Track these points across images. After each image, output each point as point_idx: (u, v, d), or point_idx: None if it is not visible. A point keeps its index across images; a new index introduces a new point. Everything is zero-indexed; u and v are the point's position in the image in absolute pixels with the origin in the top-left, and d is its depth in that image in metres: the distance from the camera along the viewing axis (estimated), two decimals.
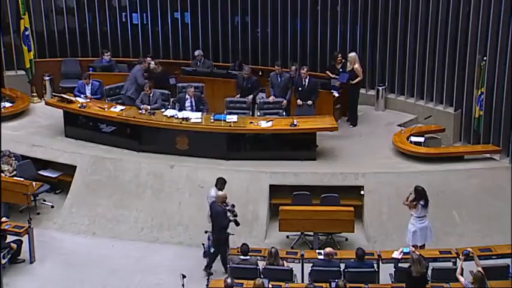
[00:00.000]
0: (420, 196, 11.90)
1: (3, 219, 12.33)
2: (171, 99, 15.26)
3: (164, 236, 13.17)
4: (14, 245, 12.15)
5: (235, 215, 11.88)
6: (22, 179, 13.29)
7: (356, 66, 15.39)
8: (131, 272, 12.18)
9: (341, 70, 15.71)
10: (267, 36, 17.04)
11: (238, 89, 15.26)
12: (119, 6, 17.71)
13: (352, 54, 15.53)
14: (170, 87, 15.62)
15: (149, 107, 14.53)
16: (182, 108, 14.65)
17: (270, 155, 14.10)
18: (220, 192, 12.09)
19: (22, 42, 16.51)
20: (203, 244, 11.89)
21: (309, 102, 14.75)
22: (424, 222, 11.91)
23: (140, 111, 14.43)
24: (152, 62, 15.78)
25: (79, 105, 14.74)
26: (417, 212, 11.88)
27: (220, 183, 12.32)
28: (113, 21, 17.70)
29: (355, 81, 15.39)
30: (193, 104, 14.71)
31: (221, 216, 11.84)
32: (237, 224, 11.94)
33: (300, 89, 14.87)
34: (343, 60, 15.76)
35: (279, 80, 15.09)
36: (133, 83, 15.29)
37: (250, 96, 15.11)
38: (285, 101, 14.93)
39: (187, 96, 14.73)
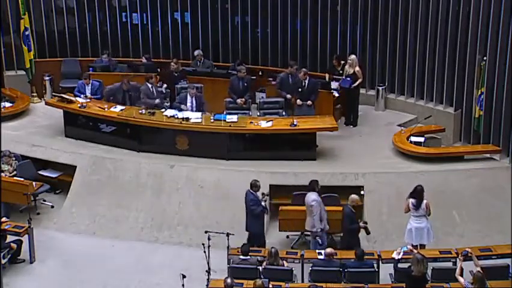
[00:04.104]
0: (413, 195, 11.91)
1: (3, 219, 12.34)
2: (176, 97, 15.32)
3: (164, 236, 13.17)
4: (14, 245, 12.15)
5: (365, 222, 11.96)
6: (22, 179, 13.29)
7: (357, 68, 15.40)
8: (131, 272, 12.18)
9: (340, 72, 15.71)
10: (267, 36, 17.05)
11: (232, 91, 15.19)
12: (119, 6, 17.73)
13: (352, 57, 15.53)
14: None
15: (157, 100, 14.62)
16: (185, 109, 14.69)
17: (270, 155, 14.10)
18: (353, 196, 12.05)
19: (22, 42, 16.53)
20: (203, 244, 11.85)
21: (309, 102, 14.75)
22: (421, 223, 11.89)
23: (140, 111, 14.43)
24: (173, 62, 15.79)
25: (79, 105, 14.75)
26: (411, 210, 11.90)
27: (317, 184, 12.25)
28: (113, 21, 17.71)
29: (356, 83, 15.39)
30: (194, 104, 14.73)
31: (347, 220, 11.87)
32: (368, 232, 11.95)
33: (300, 89, 14.86)
34: (342, 62, 15.77)
35: (291, 80, 15.08)
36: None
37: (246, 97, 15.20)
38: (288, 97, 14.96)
39: (188, 96, 14.75)
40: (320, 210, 12.00)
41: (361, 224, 11.96)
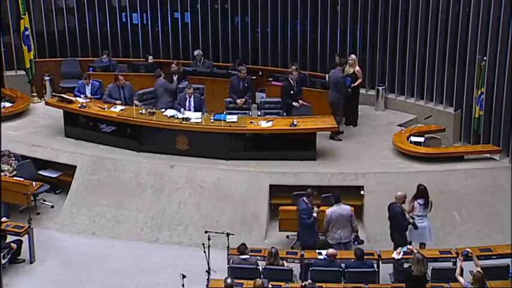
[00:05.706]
0: (419, 195, 11.91)
1: (3, 219, 12.33)
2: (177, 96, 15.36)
3: (164, 236, 13.17)
4: (14, 245, 12.15)
5: (413, 217, 11.81)
6: (22, 179, 13.29)
7: (357, 68, 15.40)
8: (131, 272, 12.18)
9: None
10: (267, 36, 17.05)
11: (233, 92, 15.22)
12: (119, 6, 17.74)
13: (352, 57, 15.53)
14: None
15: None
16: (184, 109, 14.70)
17: (270, 155, 14.10)
18: (400, 193, 11.94)
19: (22, 42, 16.52)
20: (203, 244, 11.88)
21: (297, 103, 14.71)
22: (423, 222, 11.90)
23: (140, 111, 14.43)
24: (174, 64, 15.82)
25: (79, 105, 14.75)
26: (416, 210, 11.89)
27: (340, 195, 12.18)
28: (113, 21, 17.71)
29: (356, 83, 15.40)
30: (193, 104, 14.74)
31: (400, 217, 11.75)
32: (415, 227, 11.81)
33: (291, 92, 14.82)
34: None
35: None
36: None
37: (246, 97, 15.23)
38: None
39: (186, 96, 14.76)
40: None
41: (410, 220, 11.85)
